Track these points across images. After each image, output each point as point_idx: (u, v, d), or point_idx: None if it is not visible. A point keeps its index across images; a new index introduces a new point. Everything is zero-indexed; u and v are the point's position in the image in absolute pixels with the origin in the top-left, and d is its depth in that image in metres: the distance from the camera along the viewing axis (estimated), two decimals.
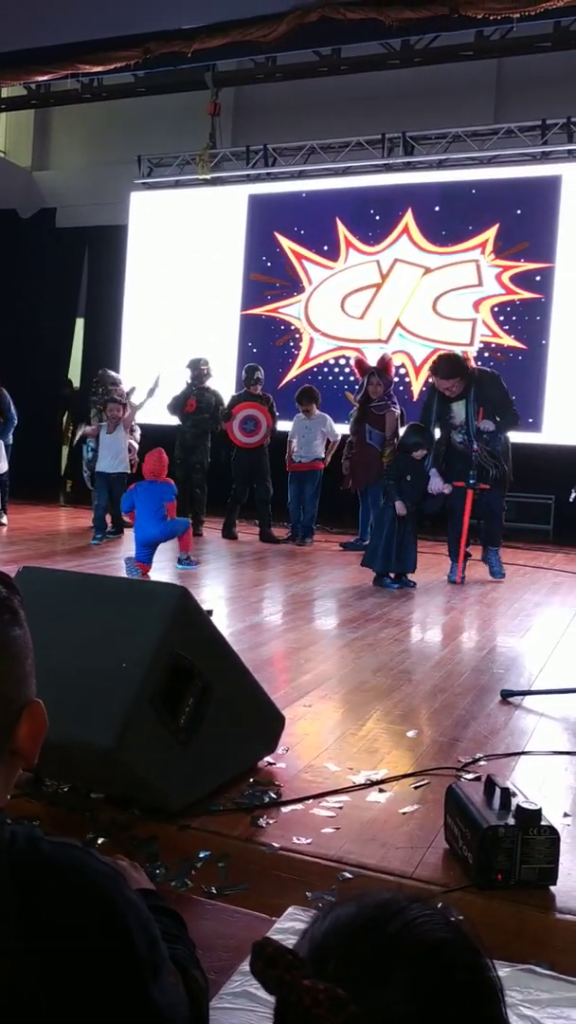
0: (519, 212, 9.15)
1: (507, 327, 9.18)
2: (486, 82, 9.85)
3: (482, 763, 2.71)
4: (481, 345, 9.18)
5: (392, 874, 2.01)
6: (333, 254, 10.00)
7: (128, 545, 6.86)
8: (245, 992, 1.42)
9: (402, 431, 6.49)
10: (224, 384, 8.90)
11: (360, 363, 7.84)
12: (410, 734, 2.98)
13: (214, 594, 5.55)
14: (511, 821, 1.91)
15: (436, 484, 6.03)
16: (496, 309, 9.23)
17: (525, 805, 1.92)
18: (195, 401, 8.17)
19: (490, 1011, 0.63)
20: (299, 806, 2.35)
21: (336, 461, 7.92)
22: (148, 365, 9.27)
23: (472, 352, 8.13)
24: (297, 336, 10.18)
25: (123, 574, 5.62)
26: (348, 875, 2.02)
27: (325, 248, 10.04)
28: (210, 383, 8.35)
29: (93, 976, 0.79)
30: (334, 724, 3.13)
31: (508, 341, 9.15)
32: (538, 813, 1.92)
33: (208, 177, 10.62)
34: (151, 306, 10.90)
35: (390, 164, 9.85)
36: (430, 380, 6.46)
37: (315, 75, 9.52)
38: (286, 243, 10.24)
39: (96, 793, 2.34)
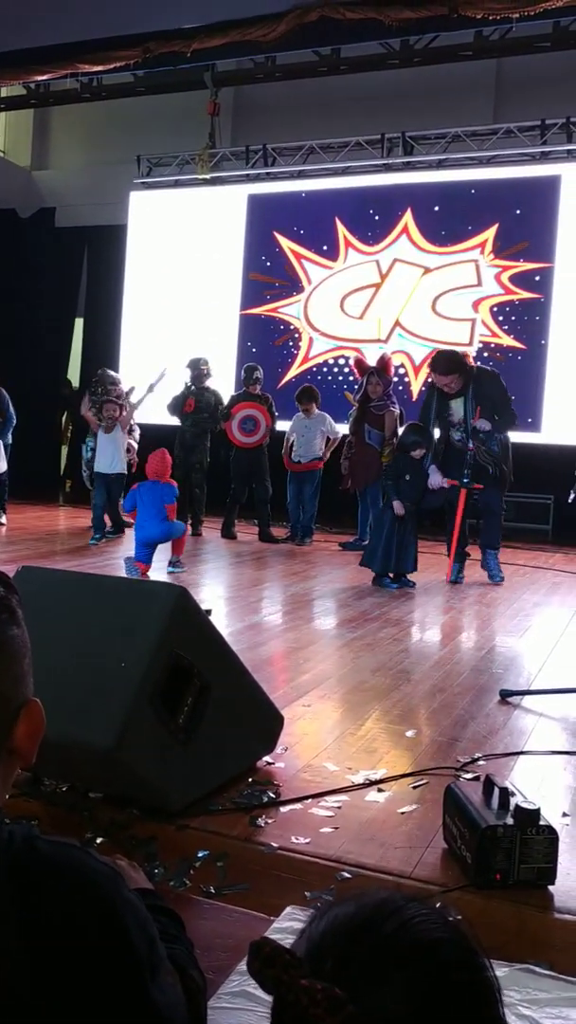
0: (518, 212, 9.15)
1: (506, 327, 9.18)
2: (485, 82, 9.85)
3: (481, 763, 2.71)
4: (480, 345, 9.17)
5: (391, 874, 2.01)
6: (332, 254, 10.00)
7: (127, 545, 6.86)
8: (243, 991, 1.42)
9: (401, 431, 6.48)
10: (223, 384, 8.89)
11: (359, 363, 7.83)
12: (409, 734, 2.98)
13: (213, 594, 5.55)
14: (510, 821, 1.91)
15: (436, 479, 6.02)
16: (495, 309, 9.23)
17: (524, 805, 1.93)
18: (194, 401, 8.17)
19: (488, 1011, 0.63)
20: (298, 806, 2.35)
21: (335, 461, 7.91)
22: (148, 365, 9.24)
23: (471, 352, 8.12)
24: (296, 336, 10.17)
25: (122, 574, 5.62)
26: (347, 875, 2.02)
27: (324, 248, 10.03)
28: (209, 383, 8.34)
29: (92, 976, 0.79)
30: (333, 724, 3.13)
31: (507, 341, 9.16)
32: (537, 813, 1.92)
33: (207, 177, 10.61)
34: (150, 306, 10.89)
35: (389, 164, 9.84)
36: (430, 379, 6.46)
37: (315, 75, 9.50)
38: (285, 243, 10.24)
39: (95, 793, 2.34)
